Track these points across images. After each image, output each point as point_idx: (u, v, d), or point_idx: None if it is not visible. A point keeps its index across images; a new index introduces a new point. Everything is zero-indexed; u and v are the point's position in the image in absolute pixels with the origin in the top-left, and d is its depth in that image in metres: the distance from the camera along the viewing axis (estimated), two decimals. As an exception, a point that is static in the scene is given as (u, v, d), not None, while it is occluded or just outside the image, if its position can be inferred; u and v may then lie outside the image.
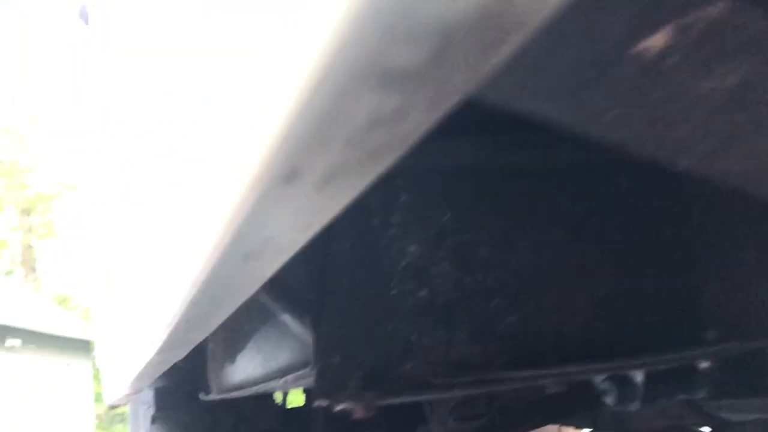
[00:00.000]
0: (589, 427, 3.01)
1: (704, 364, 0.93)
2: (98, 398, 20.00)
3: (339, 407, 0.80)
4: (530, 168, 0.93)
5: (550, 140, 0.93)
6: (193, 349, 1.88)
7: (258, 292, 1.10)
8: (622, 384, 1.15)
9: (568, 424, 3.16)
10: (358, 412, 0.78)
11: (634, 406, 1.16)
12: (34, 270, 28.62)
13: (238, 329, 1.33)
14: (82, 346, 18.48)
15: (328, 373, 0.79)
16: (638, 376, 1.13)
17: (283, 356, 1.02)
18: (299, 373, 0.89)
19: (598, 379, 1.20)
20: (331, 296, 0.83)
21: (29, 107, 26.73)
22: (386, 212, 0.88)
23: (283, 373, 0.99)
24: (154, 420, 1.95)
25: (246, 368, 1.27)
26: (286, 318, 0.95)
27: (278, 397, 3.21)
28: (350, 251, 0.85)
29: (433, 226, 0.89)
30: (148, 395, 2.00)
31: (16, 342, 15.19)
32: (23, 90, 27.34)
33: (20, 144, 26.19)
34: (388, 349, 0.83)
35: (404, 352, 0.83)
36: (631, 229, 0.94)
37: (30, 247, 28.31)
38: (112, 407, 3.34)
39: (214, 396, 1.54)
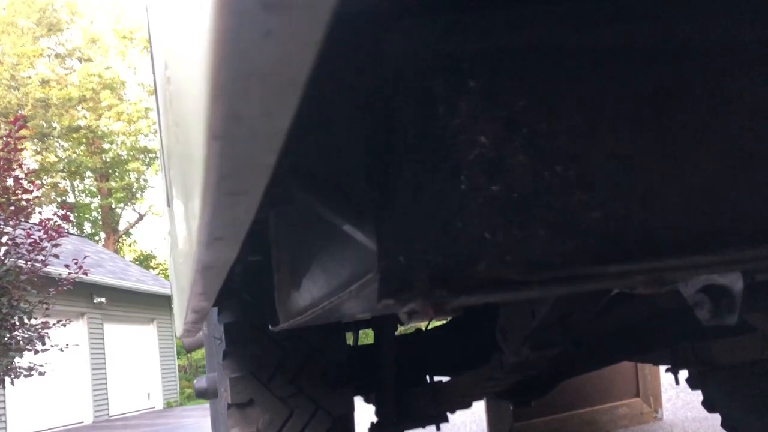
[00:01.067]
0: (668, 364, 2.89)
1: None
2: (181, 351, 20.91)
3: (407, 308, 0.73)
4: (620, 46, 0.82)
5: (645, 13, 0.82)
6: (260, 283, 1.85)
7: (319, 207, 1.05)
8: (718, 294, 1.04)
9: (645, 361, 3.05)
10: (428, 313, 0.71)
11: (731, 319, 1.05)
12: (115, 231, 29.87)
13: (302, 253, 1.28)
14: (164, 302, 19.27)
15: (393, 273, 0.72)
16: (737, 284, 1.02)
17: (347, 269, 0.96)
18: (363, 280, 0.83)
19: (691, 291, 1.09)
20: (393, 194, 0.76)
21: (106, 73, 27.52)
22: (452, 100, 0.79)
23: (347, 285, 0.94)
24: (226, 355, 1.95)
25: (311, 291, 1.23)
26: (348, 228, 0.88)
27: (349, 337, 3.21)
28: (413, 144, 0.77)
29: (506, 113, 0.80)
30: (219, 331, 2.00)
31: (102, 299, 15.95)
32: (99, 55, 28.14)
33: (97, 110, 27.07)
34: (459, 248, 0.75)
35: (477, 250, 0.75)
36: (737, 113, 0.83)
37: (111, 209, 29.50)
38: (189, 351, 3.43)
39: (282, 326, 1.51)
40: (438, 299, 0.70)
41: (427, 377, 2.68)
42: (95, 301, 15.94)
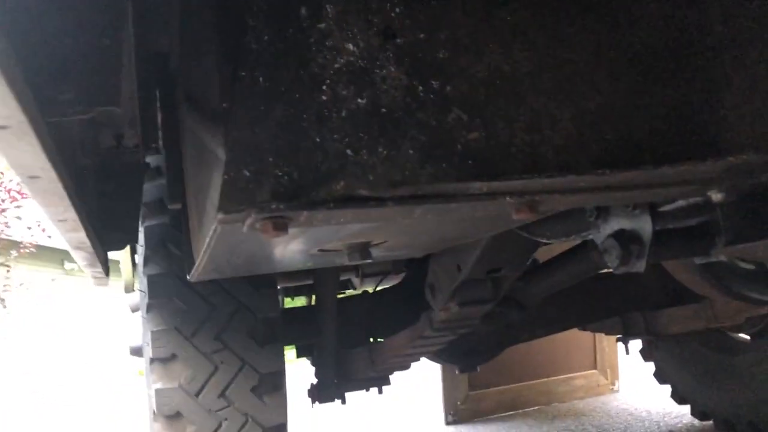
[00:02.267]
0: (619, 333, 2.87)
1: (717, 196, 0.75)
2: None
3: (246, 225, 0.66)
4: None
5: None
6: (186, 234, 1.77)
7: (196, 129, 0.96)
8: (627, 240, 0.99)
9: (596, 330, 3.03)
10: (266, 230, 0.64)
11: (640, 266, 0.99)
12: (90, 198, 29.52)
13: (201, 189, 1.20)
14: (136, 270, 19.04)
15: (235, 187, 0.65)
16: (646, 229, 0.97)
17: (216, 192, 0.88)
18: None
19: (601, 237, 1.04)
20: (244, 101, 0.68)
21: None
22: (316, 1, 0.71)
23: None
24: (149, 308, 1.87)
25: (207, 227, 1.15)
26: (215, 147, 0.80)
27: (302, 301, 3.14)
28: (269, 47, 0.69)
29: (379, 20, 0.72)
30: (144, 284, 1.92)
31: (73, 265, 15.76)
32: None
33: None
34: (315, 163, 0.68)
35: (336, 167, 0.68)
36: (639, 31, 0.76)
37: (85, 176, 29.12)
38: (133, 312, 3.34)
39: (192, 273, 1.43)
40: (277, 214, 0.63)
41: (372, 340, 2.63)
42: (67, 268, 15.73)
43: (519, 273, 1.59)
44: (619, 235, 1.00)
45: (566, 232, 1.13)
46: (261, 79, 0.69)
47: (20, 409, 8.10)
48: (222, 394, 1.86)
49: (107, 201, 1.37)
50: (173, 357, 1.84)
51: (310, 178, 0.67)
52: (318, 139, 0.69)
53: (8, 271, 8.24)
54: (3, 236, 8.18)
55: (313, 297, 3.03)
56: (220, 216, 0.64)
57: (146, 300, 1.88)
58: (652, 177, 0.68)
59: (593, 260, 1.86)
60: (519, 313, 2.16)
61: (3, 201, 8.11)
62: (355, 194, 0.64)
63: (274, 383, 1.93)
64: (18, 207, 8.22)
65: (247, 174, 0.66)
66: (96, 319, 17.05)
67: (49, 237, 9.31)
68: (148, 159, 2.03)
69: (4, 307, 8.15)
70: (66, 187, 0.74)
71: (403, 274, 2.87)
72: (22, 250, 8.62)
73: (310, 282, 2.78)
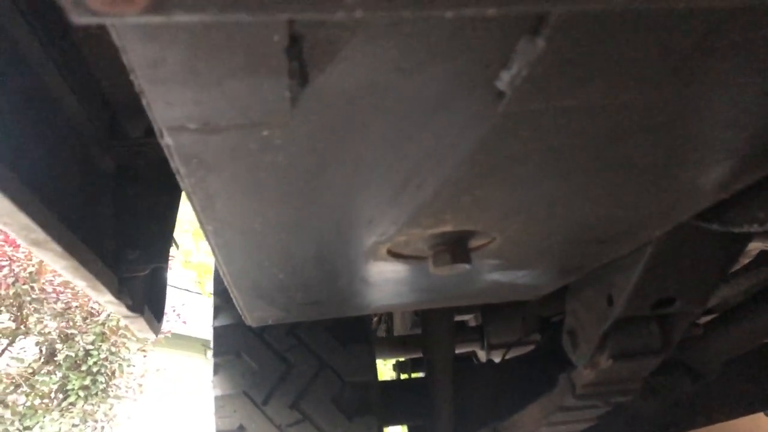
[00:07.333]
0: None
1: None
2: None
3: None
4: None
5: None
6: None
7: None
8: None
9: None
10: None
11: None
12: (234, 291, 30.75)
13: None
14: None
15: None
16: None
17: None
18: None
19: None
20: None
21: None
22: None
23: None
24: (216, 369, 1.53)
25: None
26: None
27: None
28: None
29: None
30: (212, 338, 1.59)
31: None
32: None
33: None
34: None
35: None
36: None
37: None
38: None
39: (241, 307, 1.07)
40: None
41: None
42: (209, 356, 16.18)
43: (701, 310, 1.09)
44: None
45: None
46: None
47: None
48: (301, 482, 1.45)
49: (125, 208, 1.08)
50: (241, 430, 1.47)
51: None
52: None
53: (145, 356, 8.38)
54: (142, 322, 8.39)
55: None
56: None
57: (212, 359, 1.55)
58: None
59: None
60: (693, 382, 1.60)
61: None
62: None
63: (367, 468, 1.50)
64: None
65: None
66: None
67: (184, 323, 9.50)
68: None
69: (142, 392, 8.23)
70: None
71: (535, 344, 2.37)
72: (158, 338, 8.80)
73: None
